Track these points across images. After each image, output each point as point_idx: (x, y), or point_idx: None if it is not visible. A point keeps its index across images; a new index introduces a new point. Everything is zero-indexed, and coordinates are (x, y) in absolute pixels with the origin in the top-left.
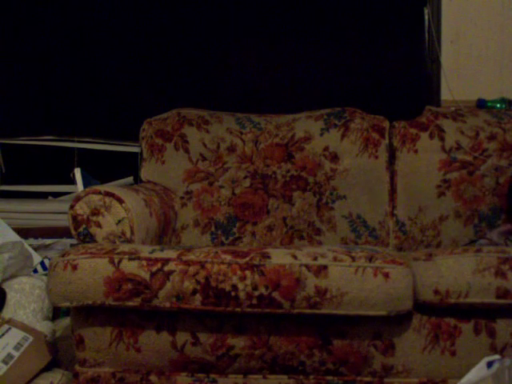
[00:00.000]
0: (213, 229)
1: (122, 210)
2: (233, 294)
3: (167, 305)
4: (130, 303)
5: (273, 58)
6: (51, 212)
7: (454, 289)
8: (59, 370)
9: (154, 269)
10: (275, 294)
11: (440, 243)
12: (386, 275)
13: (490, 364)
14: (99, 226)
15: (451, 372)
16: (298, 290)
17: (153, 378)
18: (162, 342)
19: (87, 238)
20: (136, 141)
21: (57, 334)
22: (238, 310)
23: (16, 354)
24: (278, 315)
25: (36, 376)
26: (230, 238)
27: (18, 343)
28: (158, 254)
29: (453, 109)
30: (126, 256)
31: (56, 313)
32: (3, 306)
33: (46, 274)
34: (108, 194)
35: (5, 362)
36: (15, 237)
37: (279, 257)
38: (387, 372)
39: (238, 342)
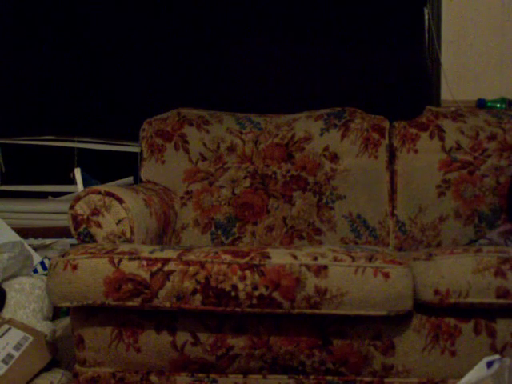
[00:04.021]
0: (213, 229)
1: (121, 210)
2: (233, 294)
3: (167, 305)
4: (130, 303)
5: (273, 58)
6: (51, 212)
7: (454, 289)
8: (59, 369)
9: (154, 269)
10: (275, 294)
11: (440, 243)
12: (386, 275)
13: (489, 364)
14: (99, 225)
15: (451, 372)
16: (298, 289)
17: (153, 378)
18: (162, 342)
19: (87, 238)
20: (136, 141)
21: (57, 334)
22: (238, 310)
23: (16, 354)
24: (278, 315)
25: (36, 376)
26: (230, 238)
27: (18, 343)
28: (158, 254)
29: (453, 109)
30: (126, 256)
31: (56, 313)
32: (3, 306)
33: (46, 274)
34: (108, 193)
35: (5, 361)
36: (15, 237)
37: (279, 257)
38: (387, 372)
39: (238, 342)
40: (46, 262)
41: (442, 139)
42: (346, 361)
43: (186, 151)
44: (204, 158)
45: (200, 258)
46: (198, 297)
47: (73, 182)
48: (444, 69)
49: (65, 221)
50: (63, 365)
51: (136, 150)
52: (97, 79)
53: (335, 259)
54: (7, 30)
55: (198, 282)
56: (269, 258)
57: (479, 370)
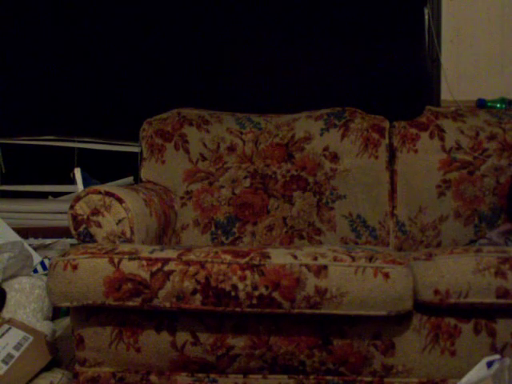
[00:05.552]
0: (213, 229)
1: (122, 209)
2: (233, 293)
3: (167, 305)
4: (130, 303)
5: (273, 58)
6: (51, 212)
7: (454, 289)
8: (59, 369)
9: (154, 269)
10: (275, 294)
11: (440, 243)
12: (386, 275)
13: (489, 364)
14: (99, 225)
15: (451, 372)
16: (298, 289)
17: (153, 378)
18: (162, 342)
19: (87, 237)
20: (136, 141)
21: (57, 334)
22: (238, 309)
23: (16, 354)
24: (278, 315)
25: (36, 376)
26: (230, 238)
27: (18, 343)
28: (158, 254)
29: (453, 109)
30: (126, 256)
31: (56, 313)
32: (3, 306)
33: (46, 274)
34: (108, 193)
35: (5, 361)
36: (15, 237)
37: (279, 257)
38: (387, 372)
39: (238, 342)
40: (46, 262)
41: (441, 139)
42: (345, 361)
43: (186, 151)
44: (204, 158)
45: (200, 258)
46: (198, 297)
47: (73, 181)
48: (444, 69)
49: (65, 221)
50: (63, 365)
51: (136, 149)
52: (97, 79)
53: (335, 259)
54: (7, 29)
55: (198, 282)
56: (269, 257)
57: (479, 370)
